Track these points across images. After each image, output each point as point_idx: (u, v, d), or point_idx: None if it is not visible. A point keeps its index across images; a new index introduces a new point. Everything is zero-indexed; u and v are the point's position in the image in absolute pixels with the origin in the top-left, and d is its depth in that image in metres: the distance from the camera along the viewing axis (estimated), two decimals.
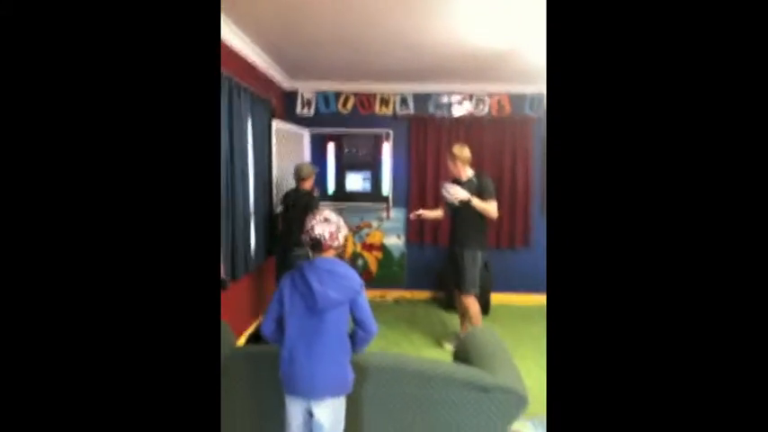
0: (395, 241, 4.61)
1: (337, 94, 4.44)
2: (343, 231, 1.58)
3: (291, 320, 1.51)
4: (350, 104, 4.45)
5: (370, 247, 4.63)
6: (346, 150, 4.60)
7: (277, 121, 3.80)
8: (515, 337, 3.59)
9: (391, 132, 4.48)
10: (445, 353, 3.28)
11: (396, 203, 4.52)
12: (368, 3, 2.38)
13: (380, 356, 1.68)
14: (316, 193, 3.61)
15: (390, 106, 4.42)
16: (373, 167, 4.61)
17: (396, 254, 4.61)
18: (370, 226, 4.46)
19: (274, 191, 3.76)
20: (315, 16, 2.61)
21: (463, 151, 3.18)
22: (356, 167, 4.63)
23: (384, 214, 4.51)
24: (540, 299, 4.23)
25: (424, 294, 4.59)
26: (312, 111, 4.45)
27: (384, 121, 4.46)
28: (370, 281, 4.54)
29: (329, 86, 4.40)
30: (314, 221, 1.54)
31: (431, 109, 4.42)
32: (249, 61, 3.30)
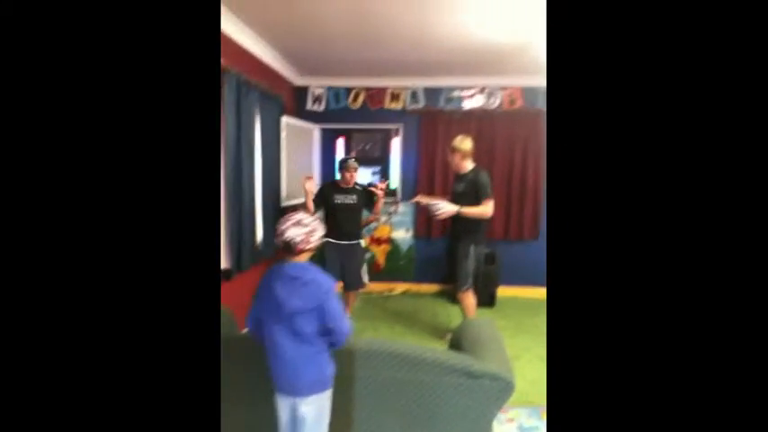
0: (403, 235, 4.66)
1: (348, 90, 4.47)
2: (318, 233, 1.54)
3: (267, 321, 1.51)
4: (360, 100, 4.48)
5: (378, 241, 4.69)
6: (356, 146, 4.67)
7: (287, 116, 3.88)
8: (520, 329, 3.61)
9: (401, 127, 4.51)
10: (446, 344, 3.31)
11: (404, 197, 4.57)
12: None
13: (370, 341, 1.73)
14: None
15: (401, 101, 4.44)
16: (383, 162, 4.66)
17: (404, 247, 4.67)
18: (377, 221, 4.50)
19: (283, 185, 3.85)
20: (324, 12, 2.64)
21: (464, 143, 3.12)
22: (366, 162, 4.69)
23: (393, 208, 4.56)
24: None
25: (431, 287, 4.63)
26: (322, 106, 4.50)
27: (394, 115, 4.49)
28: (379, 273, 4.61)
29: (339, 82, 4.44)
30: (286, 224, 1.50)
31: (441, 103, 4.42)
32: (259, 58, 3.38)
